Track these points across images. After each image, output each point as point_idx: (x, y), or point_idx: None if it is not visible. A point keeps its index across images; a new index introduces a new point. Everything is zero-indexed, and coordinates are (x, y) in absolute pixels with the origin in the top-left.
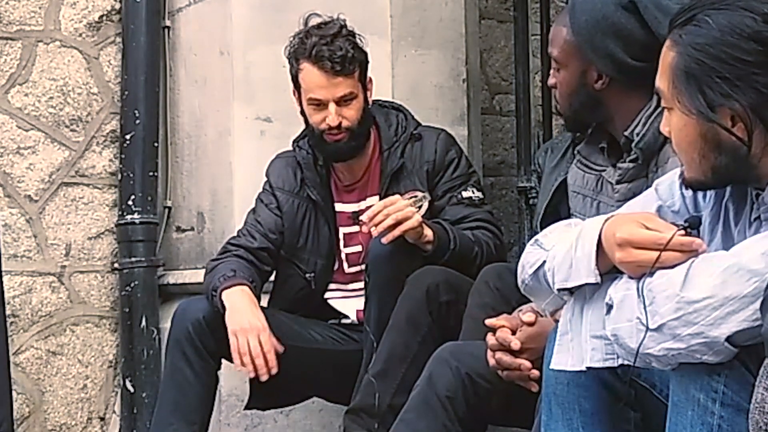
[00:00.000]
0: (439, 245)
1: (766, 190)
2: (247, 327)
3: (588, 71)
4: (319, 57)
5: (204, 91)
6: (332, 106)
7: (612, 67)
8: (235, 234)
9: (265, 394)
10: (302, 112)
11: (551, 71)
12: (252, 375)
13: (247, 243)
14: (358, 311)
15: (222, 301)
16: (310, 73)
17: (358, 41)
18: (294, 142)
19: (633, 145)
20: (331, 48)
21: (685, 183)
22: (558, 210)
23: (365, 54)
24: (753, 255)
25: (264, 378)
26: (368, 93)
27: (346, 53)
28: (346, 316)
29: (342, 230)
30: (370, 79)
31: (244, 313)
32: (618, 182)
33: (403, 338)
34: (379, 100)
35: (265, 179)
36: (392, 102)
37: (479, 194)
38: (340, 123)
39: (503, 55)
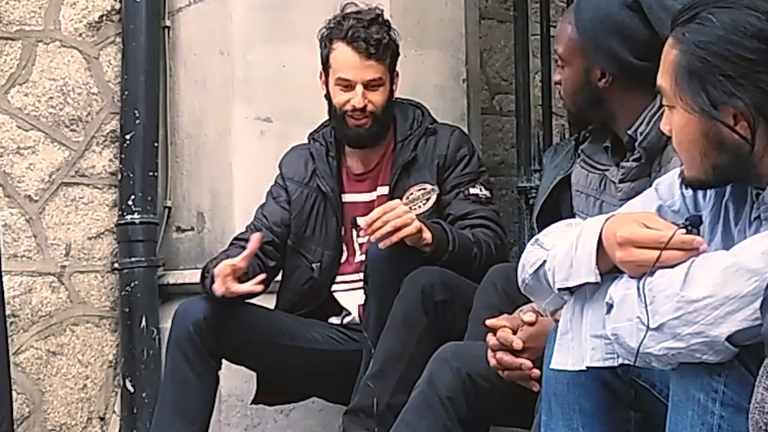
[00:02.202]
0: (437, 247)
1: (766, 190)
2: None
3: (591, 69)
4: (354, 38)
5: (204, 91)
6: (359, 88)
7: (615, 66)
8: (242, 230)
9: (270, 391)
10: (327, 96)
11: (556, 68)
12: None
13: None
14: (359, 306)
15: (213, 278)
16: (343, 53)
17: (393, 33)
18: (309, 135)
19: (636, 144)
20: (368, 31)
21: (685, 182)
22: (557, 207)
23: (397, 46)
24: (753, 254)
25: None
26: (394, 85)
27: (382, 38)
28: (349, 312)
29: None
30: (398, 73)
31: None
32: (621, 181)
33: (399, 338)
34: (398, 98)
35: (278, 172)
36: (410, 99)
37: (487, 193)
38: (365, 106)
39: (503, 55)
